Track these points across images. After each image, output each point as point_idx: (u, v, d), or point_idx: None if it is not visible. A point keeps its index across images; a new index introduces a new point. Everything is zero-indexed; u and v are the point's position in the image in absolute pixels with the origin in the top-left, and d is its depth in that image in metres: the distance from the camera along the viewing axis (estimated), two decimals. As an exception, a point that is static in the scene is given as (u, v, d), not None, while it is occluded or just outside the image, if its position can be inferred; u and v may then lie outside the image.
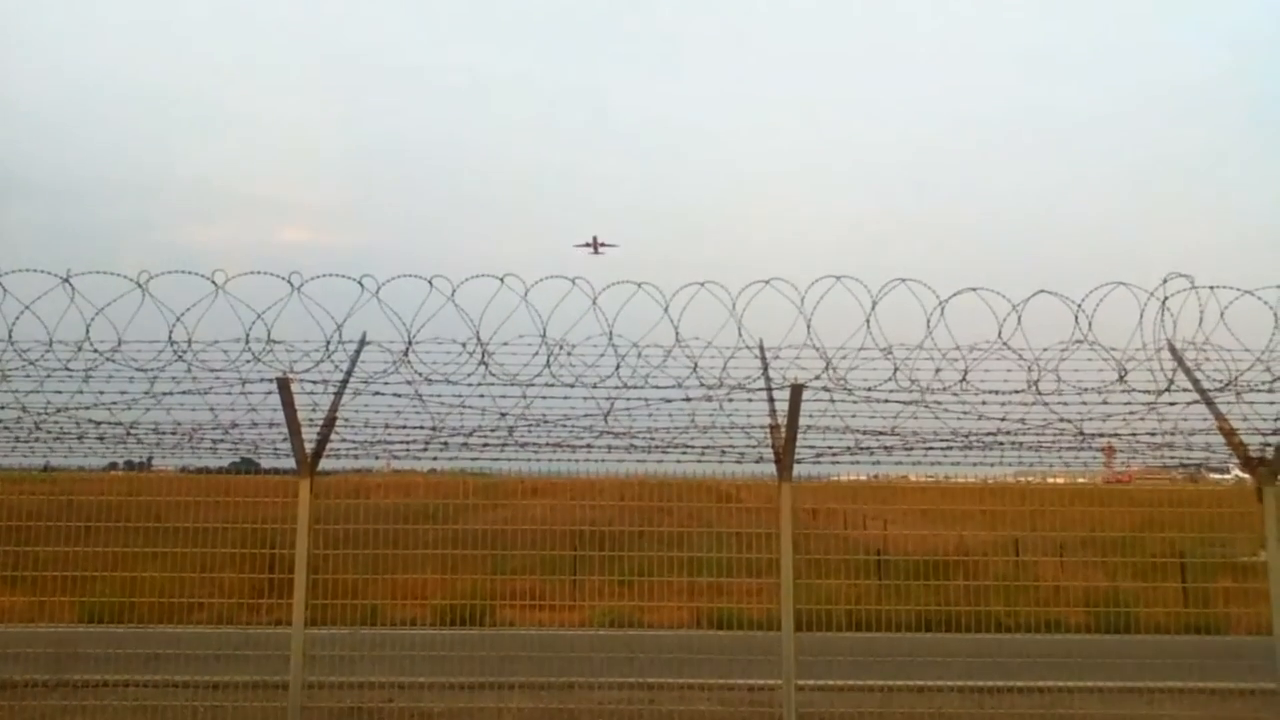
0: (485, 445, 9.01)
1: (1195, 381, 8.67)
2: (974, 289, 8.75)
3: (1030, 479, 13.13)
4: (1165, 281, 8.73)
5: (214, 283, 8.83)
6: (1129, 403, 8.61)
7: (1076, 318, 8.73)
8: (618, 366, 8.84)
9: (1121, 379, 8.69)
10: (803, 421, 8.53)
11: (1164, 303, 8.73)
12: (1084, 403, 8.62)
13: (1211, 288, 8.69)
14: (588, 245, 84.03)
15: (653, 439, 8.88)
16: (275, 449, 9.02)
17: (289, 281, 8.86)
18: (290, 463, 8.99)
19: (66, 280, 8.75)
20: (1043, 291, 8.73)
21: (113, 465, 10.80)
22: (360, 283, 8.96)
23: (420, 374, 8.87)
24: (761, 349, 9.05)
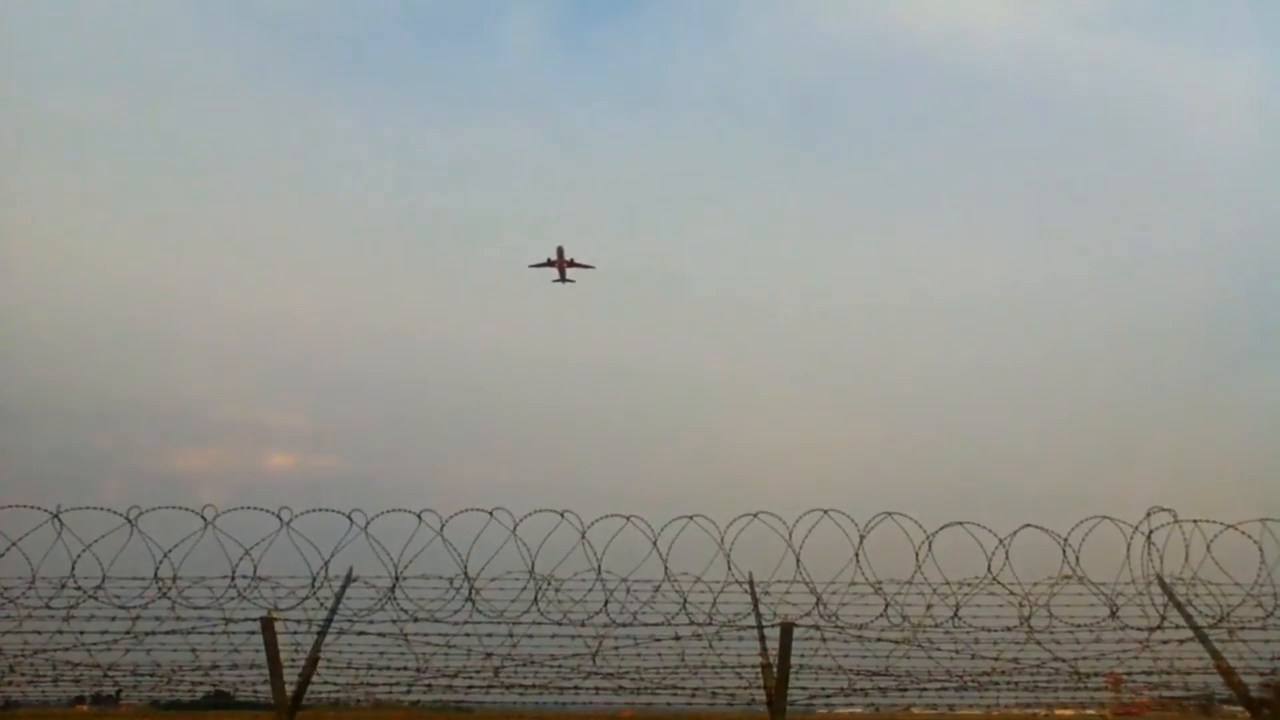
0: (470, 687, 8.77)
1: (1188, 617, 8.62)
2: (960, 523, 8.84)
3: (1036, 711, 12.61)
4: (1149, 515, 8.84)
5: (204, 518, 8.92)
6: (1122, 640, 8.53)
7: (1064, 552, 8.79)
8: (606, 602, 8.79)
9: (1113, 614, 8.65)
10: (795, 660, 8.39)
11: (1149, 537, 8.82)
12: (1077, 641, 8.53)
13: (1195, 521, 8.79)
14: (549, 264, 63.05)
15: (642, 680, 8.67)
16: (255, 691, 8.76)
17: (278, 516, 8.95)
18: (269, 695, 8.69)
19: (56, 516, 8.80)
20: (1029, 526, 8.83)
21: (79, 699, 10.40)
22: (349, 517, 9.05)
23: (406, 611, 8.80)
24: (751, 584, 9.01)
